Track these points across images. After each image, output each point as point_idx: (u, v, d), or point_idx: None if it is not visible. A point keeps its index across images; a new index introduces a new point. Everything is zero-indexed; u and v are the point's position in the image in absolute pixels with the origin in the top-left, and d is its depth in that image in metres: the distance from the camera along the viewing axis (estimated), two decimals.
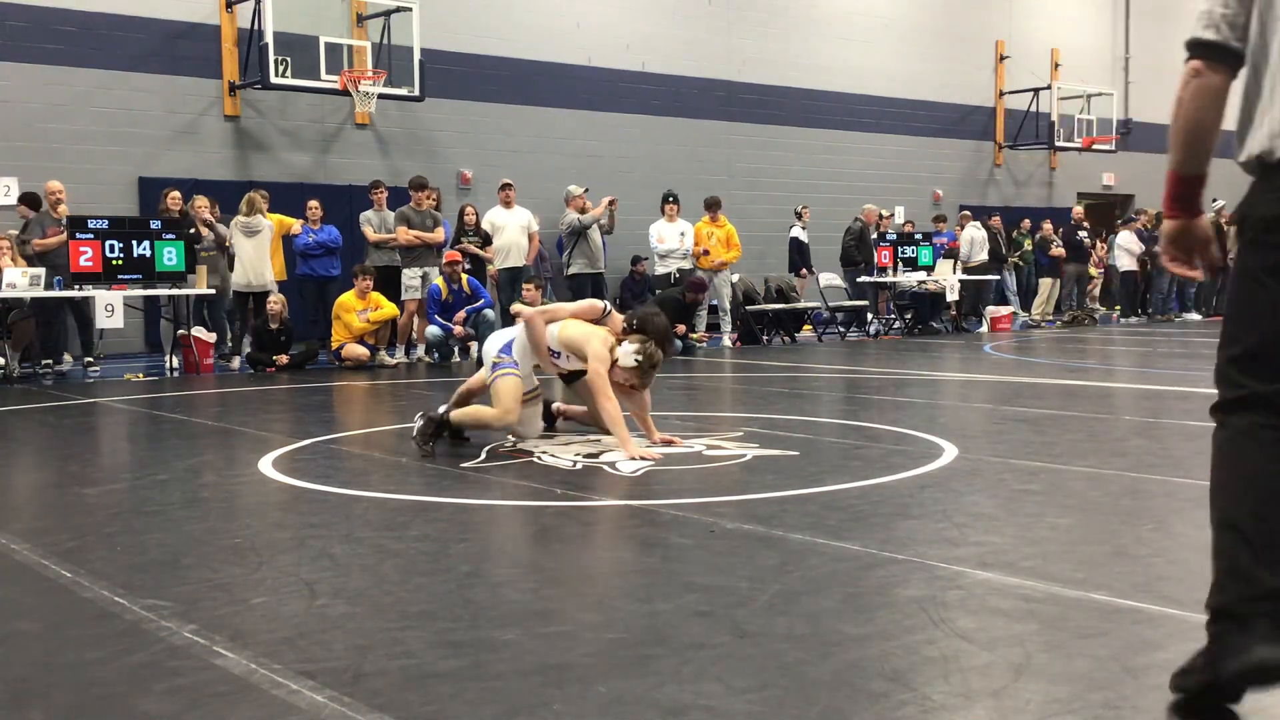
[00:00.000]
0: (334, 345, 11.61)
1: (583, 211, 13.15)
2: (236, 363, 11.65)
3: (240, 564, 3.70)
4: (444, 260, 11.86)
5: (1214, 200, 20.26)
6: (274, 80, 13.52)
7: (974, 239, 17.17)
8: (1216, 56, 2.32)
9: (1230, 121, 2.40)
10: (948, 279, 16.05)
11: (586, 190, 13.31)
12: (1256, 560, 2.25)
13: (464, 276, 11.86)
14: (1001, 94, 21.64)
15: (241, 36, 14.04)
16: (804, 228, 16.37)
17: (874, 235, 16.20)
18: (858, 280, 16.11)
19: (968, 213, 18.72)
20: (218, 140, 14.16)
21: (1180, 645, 2.77)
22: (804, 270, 16.15)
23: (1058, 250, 18.29)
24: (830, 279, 16.07)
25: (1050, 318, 18.27)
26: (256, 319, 11.78)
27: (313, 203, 12.67)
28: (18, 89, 12.90)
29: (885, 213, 17.44)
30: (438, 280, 11.86)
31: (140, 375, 10.86)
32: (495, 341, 6.31)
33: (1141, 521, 4.16)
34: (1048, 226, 18.71)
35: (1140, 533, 3.98)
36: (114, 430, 7.64)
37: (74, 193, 11.66)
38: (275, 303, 11.53)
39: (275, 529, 4.31)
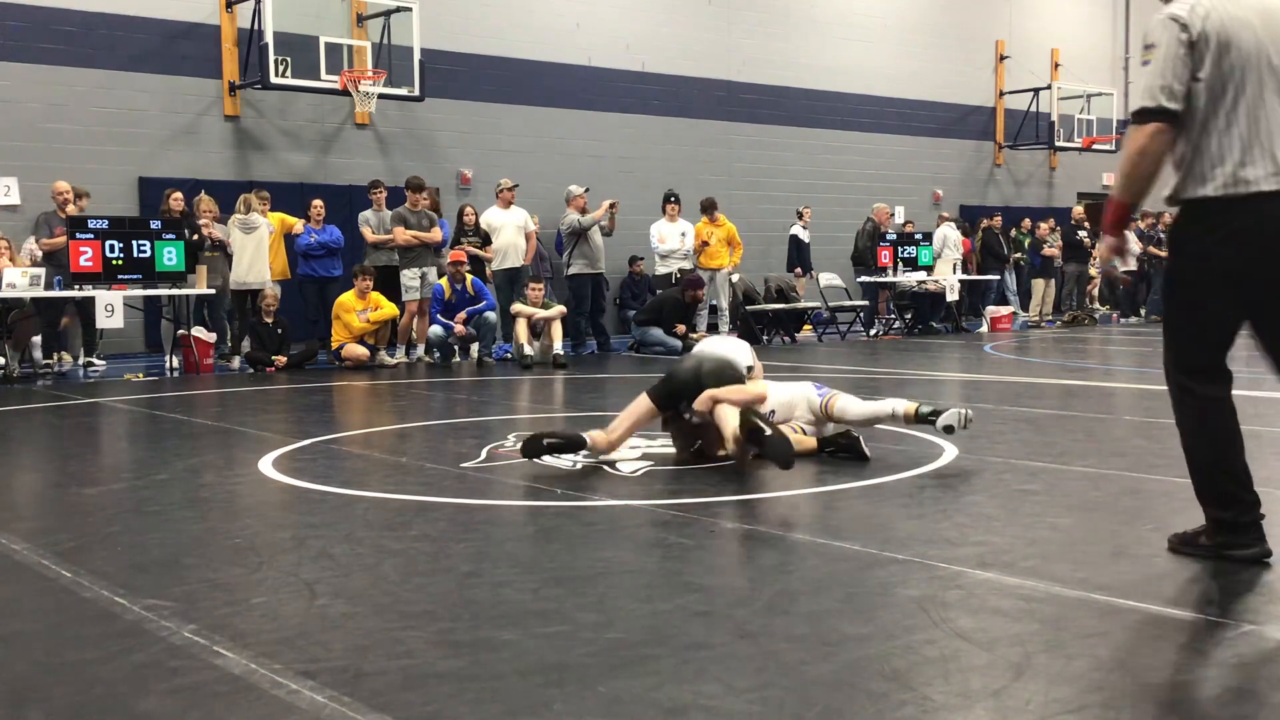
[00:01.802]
0: (334, 345, 11.61)
1: (583, 212, 13.15)
2: (236, 362, 11.65)
3: (240, 564, 3.70)
4: (448, 260, 11.86)
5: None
6: (274, 80, 13.51)
7: (947, 239, 17.08)
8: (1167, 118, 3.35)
9: None
10: (948, 279, 16.04)
11: (587, 190, 13.32)
12: None
13: (468, 277, 11.86)
14: (1001, 94, 21.63)
15: (241, 36, 14.03)
16: (805, 227, 16.36)
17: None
18: (860, 280, 16.11)
19: (945, 213, 18.68)
20: (218, 140, 14.15)
21: (1180, 645, 2.77)
22: (798, 270, 16.13)
23: (1049, 251, 18.26)
24: (830, 279, 16.05)
25: (1050, 318, 18.25)
26: (253, 316, 11.79)
27: (316, 203, 12.67)
28: (18, 89, 12.89)
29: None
30: (441, 280, 11.86)
31: (140, 375, 10.86)
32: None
33: (1141, 521, 4.16)
34: (1043, 228, 18.67)
35: (1140, 533, 3.98)
36: (114, 430, 7.64)
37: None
38: (269, 295, 11.54)
39: (275, 529, 4.31)
